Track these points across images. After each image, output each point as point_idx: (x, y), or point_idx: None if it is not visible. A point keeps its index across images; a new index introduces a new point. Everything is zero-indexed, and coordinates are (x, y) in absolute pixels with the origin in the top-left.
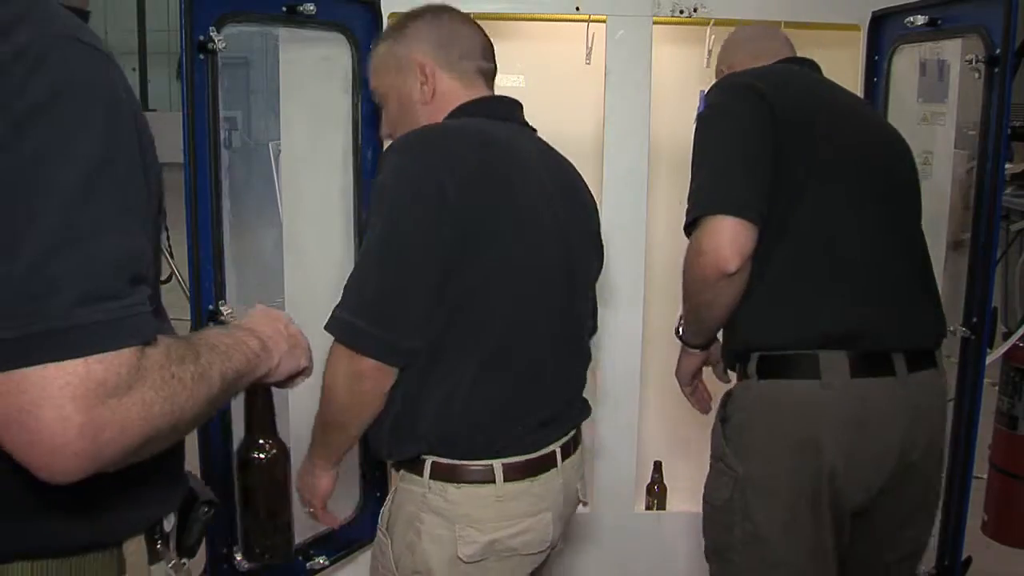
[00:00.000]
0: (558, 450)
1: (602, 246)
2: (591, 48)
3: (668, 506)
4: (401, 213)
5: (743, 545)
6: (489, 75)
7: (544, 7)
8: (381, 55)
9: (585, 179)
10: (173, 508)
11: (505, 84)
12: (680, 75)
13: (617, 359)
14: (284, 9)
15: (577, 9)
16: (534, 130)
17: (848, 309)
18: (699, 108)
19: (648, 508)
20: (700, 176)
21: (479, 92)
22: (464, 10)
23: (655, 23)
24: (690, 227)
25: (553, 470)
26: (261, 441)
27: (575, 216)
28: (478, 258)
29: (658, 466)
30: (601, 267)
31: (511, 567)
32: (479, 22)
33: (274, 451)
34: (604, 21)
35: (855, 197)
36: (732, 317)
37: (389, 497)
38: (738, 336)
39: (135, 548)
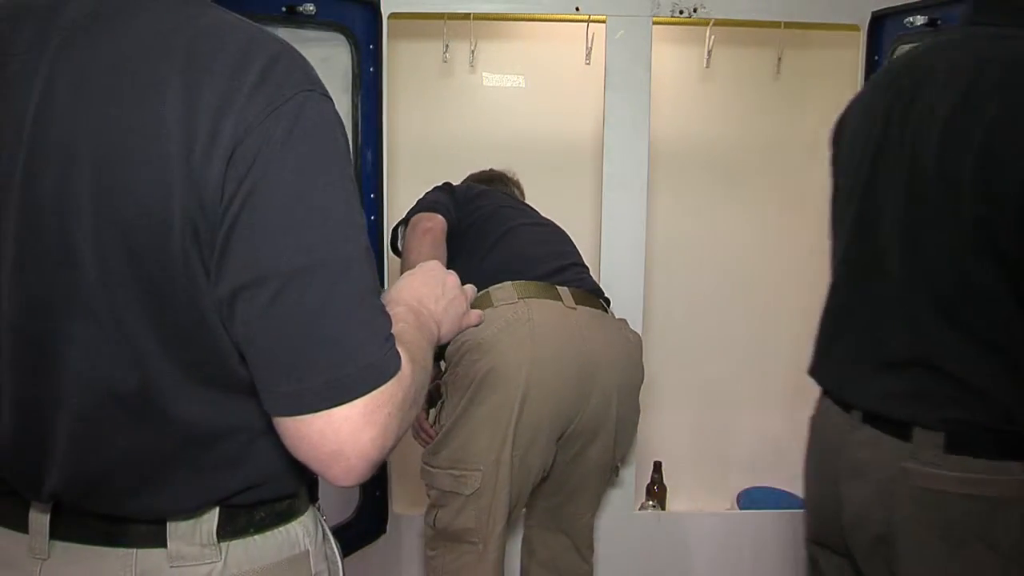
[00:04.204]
0: None
1: None
2: (591, 48)
3: (668, 506)
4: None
5: None
6: None
7: (544, 7)
8: None
9: (585, 179)
10: None
11: (505, 84)
12: (680, 75)
13: None
14: (284, 9)
15: (577, 9)
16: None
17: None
18: None
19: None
20: None
21: None
22: (464, 11)
23: (655, 23)
24: None
25: None
26: None
27: None
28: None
29: (658, 466)
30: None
31: None
32: (480, 23)
33: None
34: (604, 21)
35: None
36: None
37: None
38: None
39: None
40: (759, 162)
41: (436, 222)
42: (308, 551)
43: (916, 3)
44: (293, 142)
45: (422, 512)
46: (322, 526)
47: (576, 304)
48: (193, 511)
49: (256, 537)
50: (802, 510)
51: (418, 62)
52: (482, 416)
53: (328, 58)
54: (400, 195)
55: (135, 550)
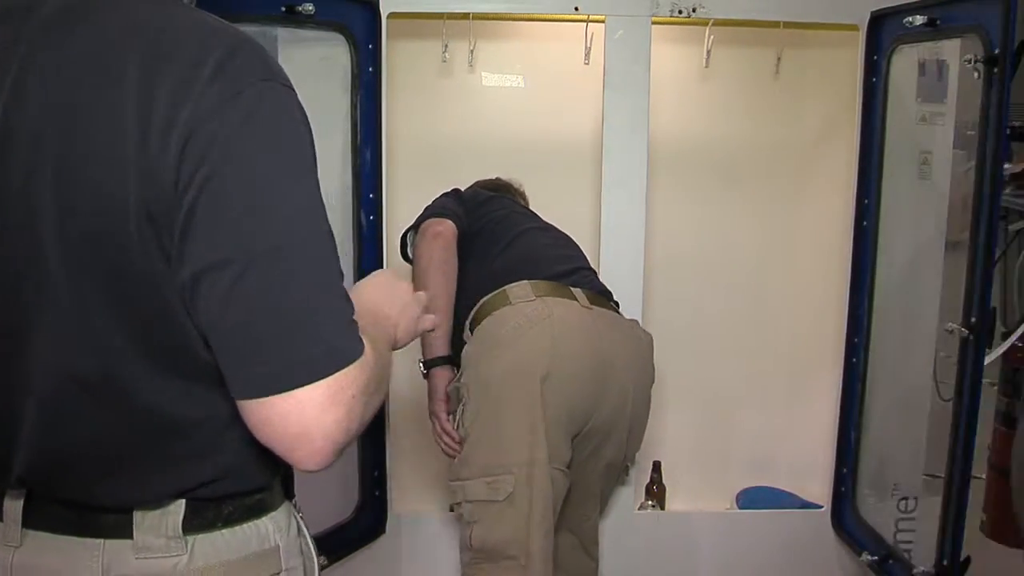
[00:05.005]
0: None
1: None
2: (590, 48)
3: (667, 506)
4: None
5: None
6: None
7: (543, 7)
8: None
9: (584, 179)
10: None
11: (504, 84)
12: (679, 75)
13: None
14: (283, 9)
15: (576, 9)
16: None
17: None
18: None
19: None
20: None
21: None
22: (463, 10)
23: (654, 23)
24: None
25: None
26: None
27: None
28: None
29: (657, 466)
30: None
31: None
32: (479, 22)
33: None
34: (603, 21)
35: None
36: None
37: None
38: None
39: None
40: (758, 162)
41: (446, 227)
42: (278, 546)
43: (915, 3)
44: (252, 129)
45: (421, 512)
46: (297, 522)
47: (590, 304)
48: (159, 501)
49: (224, 531)
50: (800, 509)
51: (417, 62)
52: (509, 416)
53: (327, 58)
54: (399, 195)
55: (103, 540)
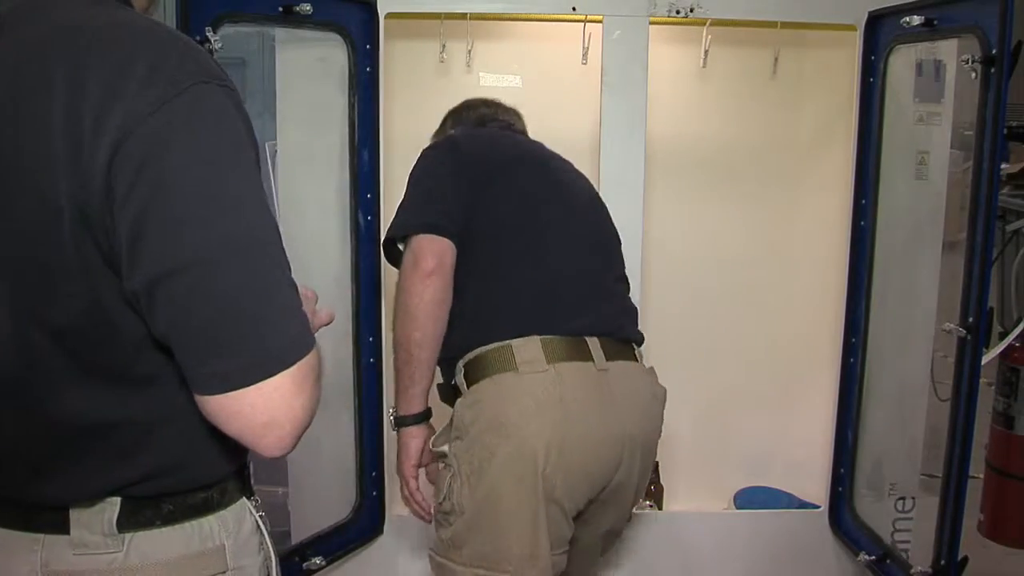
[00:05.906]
0: None
1: None
2: (587, 48)
3: (664, 506)
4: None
5: None
6: None
7: (540, 7)
8: None
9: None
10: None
11: (502, 84)
12: (676, 75)
13: None
14: (280, 9)
15: (574, 9)
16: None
17: None
18: None
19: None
20: None
21: None
22: (461, 11)
23: (651, 23)
24: None
25: None
26: None
27: None
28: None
29: (655, 466)
30: None
31: None
32: (476, 22)
33: None
34: (600, 21)
35: None
36: None
37: None
38: None
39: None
40: (756, 162)
41: (443, 254)
42: (223, 545)
43: (913, 3)
44: (193, 132)
45: None
46: (256, 519)
47: (608, 360)
48: (93, 499)
49: (164, 529)
50: (797, 509)
51: (415, 62)
52: (509, 509)
53: (325, 58)
54: (397, 195)
55: (43, 536)
